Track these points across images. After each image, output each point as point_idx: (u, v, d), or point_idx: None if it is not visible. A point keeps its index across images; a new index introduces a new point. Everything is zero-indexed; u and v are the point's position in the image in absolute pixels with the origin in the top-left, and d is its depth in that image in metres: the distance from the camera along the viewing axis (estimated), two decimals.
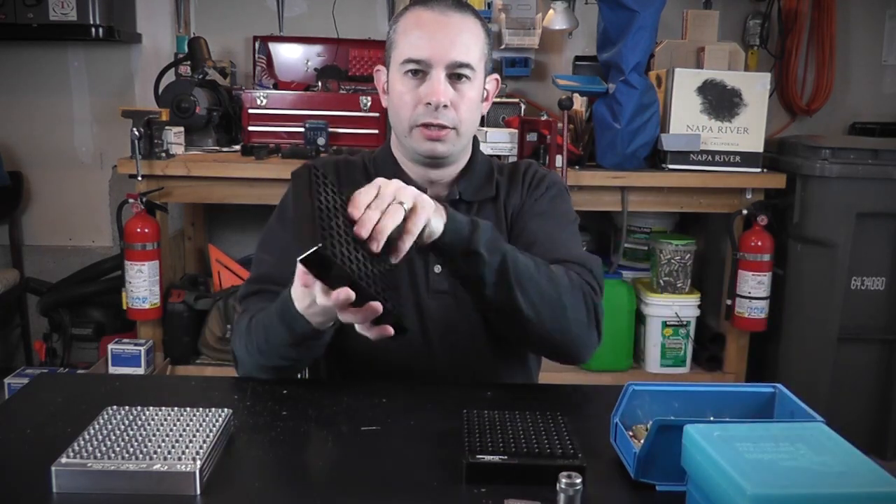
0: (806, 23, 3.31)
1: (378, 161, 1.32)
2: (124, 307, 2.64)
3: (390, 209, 0.93)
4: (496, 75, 1.32)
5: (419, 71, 1.19)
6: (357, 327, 0.96)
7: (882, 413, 2.74)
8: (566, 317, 1.12)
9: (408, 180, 1.27)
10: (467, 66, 1.19)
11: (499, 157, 2.53)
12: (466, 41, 1.20)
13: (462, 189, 1.28)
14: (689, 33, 2.88)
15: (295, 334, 1.08)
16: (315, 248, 0.84)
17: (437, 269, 1.26)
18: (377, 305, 0.91)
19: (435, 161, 1.25)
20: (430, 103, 1.18)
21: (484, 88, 1.27)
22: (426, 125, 1.20)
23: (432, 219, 0.99)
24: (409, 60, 1.19)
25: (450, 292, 1.25)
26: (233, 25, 3.25)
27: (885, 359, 2.73)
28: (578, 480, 0.72)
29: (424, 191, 1.26)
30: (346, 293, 0.88)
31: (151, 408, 0.95)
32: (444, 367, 1.27)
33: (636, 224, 3.08)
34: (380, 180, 0.97)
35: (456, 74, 1.20)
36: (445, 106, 1.18)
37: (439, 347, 1.27)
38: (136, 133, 2.50)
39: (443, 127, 1.20)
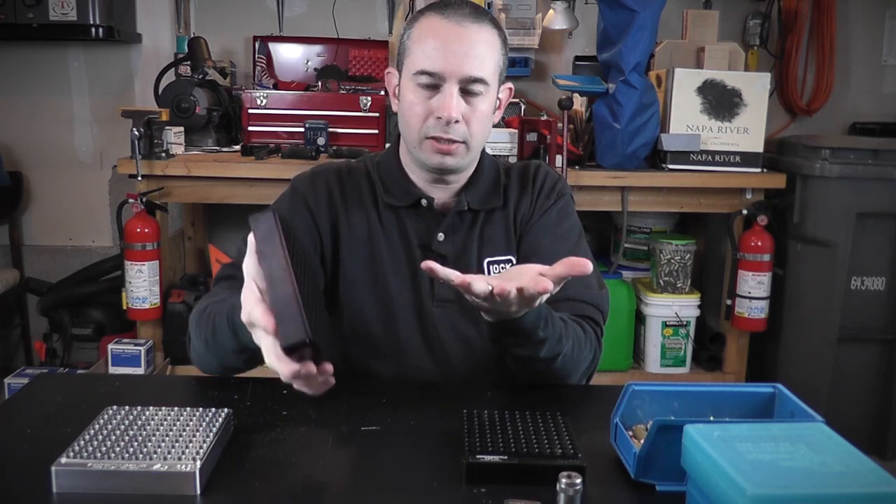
0: (806, 23, 3.31)
1: (382, 167, 1.30)
2: (124, 307, 2.64)
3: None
4: (510, 84, 1.29)
5: (432, 84, 1.17)
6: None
7: (882, 413, 2.74)
8: (572, 372, 1.17)
9: (413, 188, 1.27)
10: (481, 80, 1.17)
11: (498, 156, 2.53)
12: (481, 54, 1.17)
13: (469, 198, 1.27)
14: (689, 33, 2.88)
15: (239, 342, 1.03)
16: (304, 339, 0.83)
17: None
18: (328, 367, 0.90)
19: (443, 172, 1.24)
20: (441, 117, 1.17)
21: (497, 98, 1.25)
22: (436, 138, 1.18)
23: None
24: (422, 72, 1.17)
25: (455, 301, 1.24)
26: (233, 25, 3.25)
27: (885, 359, 2.73)
28: (578, 480, 0.72)
29: (431, 200, 1.26)
30: (307, 368, 0.87)
31: (151, 408, 0.95)
32: (448, 375, 1.27)
33: (636, 224, 3.08)
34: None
35: (469, 89, 1.17)
36: (457, 121, 1.17)
37: (444, 355, 1.26)
38: (136, 133, 2.50)
39: (453, 141, 1.18)
